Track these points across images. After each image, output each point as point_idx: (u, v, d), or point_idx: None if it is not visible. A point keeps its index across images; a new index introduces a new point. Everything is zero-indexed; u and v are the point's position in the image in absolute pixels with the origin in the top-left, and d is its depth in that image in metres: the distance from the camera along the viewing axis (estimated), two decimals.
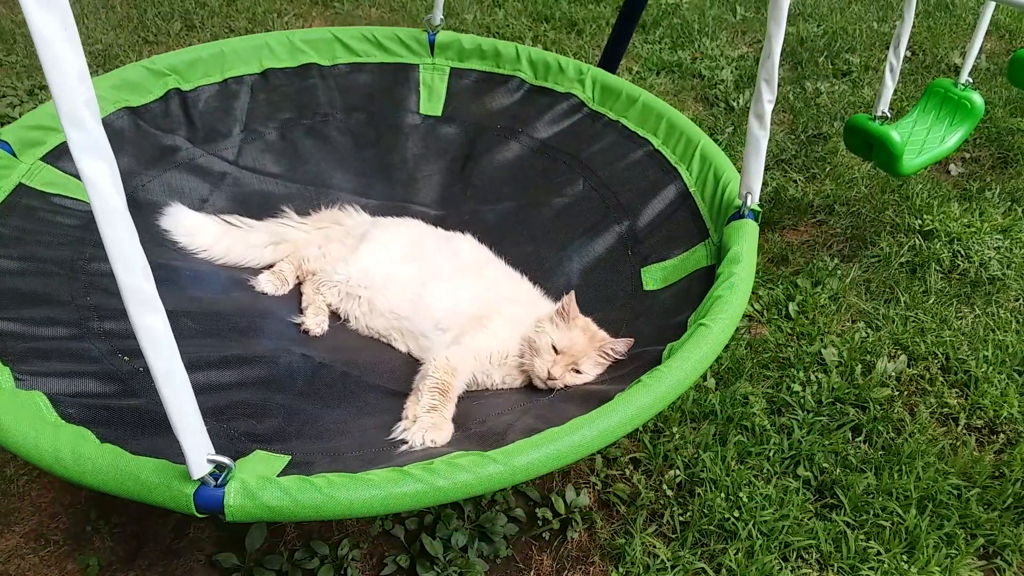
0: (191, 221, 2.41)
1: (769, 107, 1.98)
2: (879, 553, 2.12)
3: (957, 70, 3.75)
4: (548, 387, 1.99)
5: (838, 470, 2.32)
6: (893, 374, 2.64)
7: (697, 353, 1.66)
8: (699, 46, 4.75)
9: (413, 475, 1.38)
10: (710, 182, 2.30)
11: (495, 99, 2.91)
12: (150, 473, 1.32)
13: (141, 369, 1.79)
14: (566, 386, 1.99)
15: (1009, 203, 3.48)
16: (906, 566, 2.08)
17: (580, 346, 1.98)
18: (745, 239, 1.97)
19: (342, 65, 2.92)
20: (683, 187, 2.39)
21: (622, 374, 1.93)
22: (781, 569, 2.07)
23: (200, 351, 1.91)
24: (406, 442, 1.76)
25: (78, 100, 1.01)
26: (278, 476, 1.49)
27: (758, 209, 2.08)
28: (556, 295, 2.31)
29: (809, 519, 2.21)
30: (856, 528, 2.18)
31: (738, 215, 2.08)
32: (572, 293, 2.03)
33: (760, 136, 2.00)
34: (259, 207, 2.60)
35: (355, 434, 1.82)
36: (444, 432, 1.79)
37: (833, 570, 2.09)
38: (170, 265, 2.22)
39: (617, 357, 2.01)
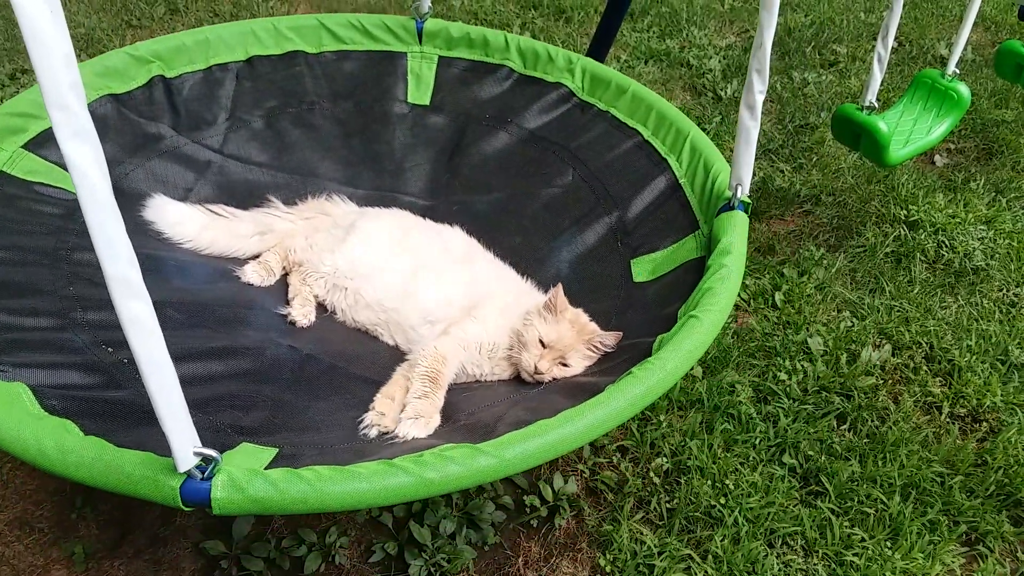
0: (175, 211, 2.37)
1: (760, 97, 1.98)
2: (863, 539, 2.14)
3: (943, 61, 3.75)
4: (535, 381, 1.98)
5: (823, 458, 2.34)
6: (878, 363, 2.66)
7: (687, 345, 1.66)
8: (687, 35, 4.73)
9: (402, 468, 1.37)
10: (700, 173, 2.29)
11: (484, 88, 2.88)
12: (135, 466, 1.30)
13: (125, 360, 1.77)
14: (555, 379, 1.98)
15: (993, 194, 3.49)
16: (890, 552, 2.11)
17: (568, 340, 1.97)
18: (735, 231, 1.97)
19: (328, 53, 2.88)
20: (673, 178, 2.38)
21: (612, 366, 1.92)
22: (767, 555, 2.09)
23: (185, 342, 1.88)
24: (390, 432, 1.76)
25: (64, 83, 0.98)
26: (265, 469, 1.49)
27: (748, 201, 2.07)
28: (546, 286, 2.29)
29: (794, 506, 2.22)
30: (841, 515, 2.20)
31: (728, 207, 2.07)
32: (559, 286, 2.02)
33: (751, 127, 2.00)
34: (244, 196, 2.56)
35: (344, 426, 1.80)
36: (432, 422, 1.79)
37: (818, 556, 2.11)
38: (154, 255, 2.19)
39: (606, 350, 2.01)
